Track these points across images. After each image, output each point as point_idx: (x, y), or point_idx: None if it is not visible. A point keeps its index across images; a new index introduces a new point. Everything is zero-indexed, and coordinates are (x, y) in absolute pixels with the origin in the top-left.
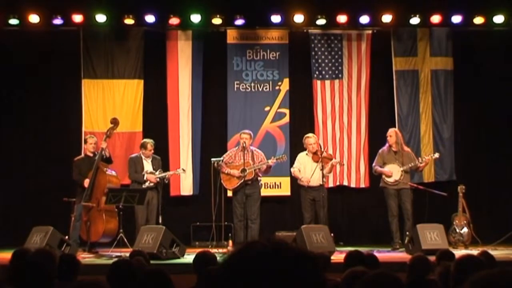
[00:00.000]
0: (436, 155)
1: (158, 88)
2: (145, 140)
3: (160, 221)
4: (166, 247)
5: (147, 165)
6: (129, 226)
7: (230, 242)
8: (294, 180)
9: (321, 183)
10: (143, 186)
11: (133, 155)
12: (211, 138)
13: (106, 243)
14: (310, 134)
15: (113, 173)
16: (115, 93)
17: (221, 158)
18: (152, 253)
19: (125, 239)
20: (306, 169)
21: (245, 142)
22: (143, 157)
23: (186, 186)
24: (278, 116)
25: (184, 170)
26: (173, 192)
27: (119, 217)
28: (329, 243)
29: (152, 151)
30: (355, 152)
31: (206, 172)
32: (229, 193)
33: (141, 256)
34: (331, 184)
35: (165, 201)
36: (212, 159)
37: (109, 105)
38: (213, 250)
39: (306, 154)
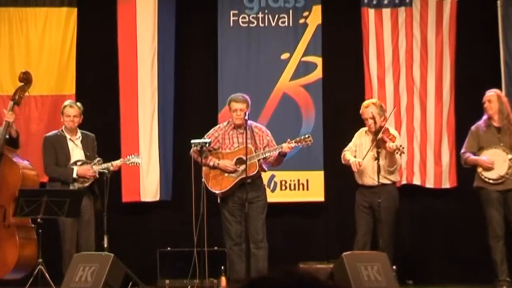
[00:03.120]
0: None
1: (102, 23)
2: (66, 102)
3: (105, 244)
4: None
5: (76, 150)
6: (51, 253)
7: (223, 279)
8: (331, 176)
9: (378, 181)
10: (72, 187)
11: (51, 134)
12: (192, 107)
13: (17, 280)
14: (368, 101)
15: (26, 163)
16: (30, 31)
17: (208, 140)
18: None
19: (47, 274)
20: (363, 152)
21: (240, 115)
22: (67, 136)
23: (149, 186)
24: (304, 69)
25: (137, 157)
26: (126, 196)
27: (38, 237)
28: (388, 281)
29: (79, 120)
30: (433, 130)
31: (183, 164)
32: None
33: None
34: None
35: (113, 211)
36: (193, 142)
37: (19, 51)
38: None
39: (367, 132)
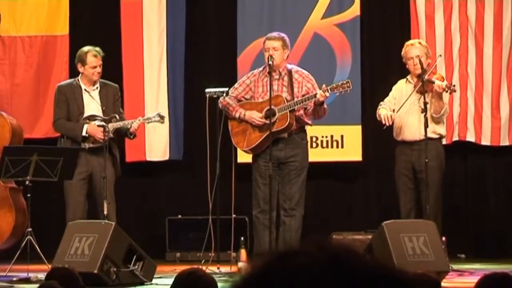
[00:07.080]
0: None
1: None
2: (84, 48)
3: (105, 211)
4: (118, 263)
5: (91, 104)
6: (41, 221)
7: (243, 252)
8: (371, 131)
9: (424, 135)
10: (83, 146)
11: (65, 83)
12: (206, 50)
13: (2, 251)
14: (414, 40)
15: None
16: None
17: (225, 89)
18: (90, 274)
19: (37, 247)
20: (402, 103)
21: (271, 57)
22: (83, 86)
23: (156, 143)
24: (339, 5)
25: (159, 115)
26: (130, 155)
27: (26, 202)
28: (436, 255)
29: (100, 70)
30: (491, 78)
31: (195, 118)
32: (242, 157)
33: (67, 281)
34: (444, 141)
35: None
36: (208, 91)
37: None
38: (210, 270)
39: (407, 80)
